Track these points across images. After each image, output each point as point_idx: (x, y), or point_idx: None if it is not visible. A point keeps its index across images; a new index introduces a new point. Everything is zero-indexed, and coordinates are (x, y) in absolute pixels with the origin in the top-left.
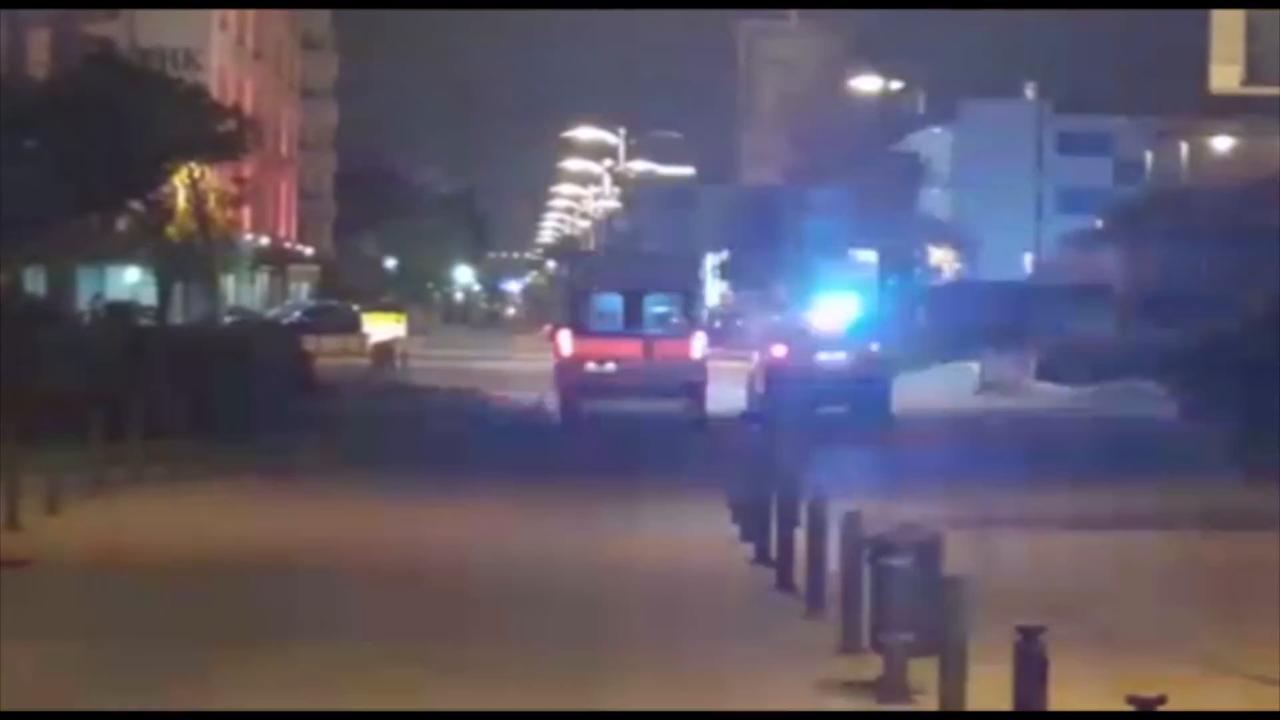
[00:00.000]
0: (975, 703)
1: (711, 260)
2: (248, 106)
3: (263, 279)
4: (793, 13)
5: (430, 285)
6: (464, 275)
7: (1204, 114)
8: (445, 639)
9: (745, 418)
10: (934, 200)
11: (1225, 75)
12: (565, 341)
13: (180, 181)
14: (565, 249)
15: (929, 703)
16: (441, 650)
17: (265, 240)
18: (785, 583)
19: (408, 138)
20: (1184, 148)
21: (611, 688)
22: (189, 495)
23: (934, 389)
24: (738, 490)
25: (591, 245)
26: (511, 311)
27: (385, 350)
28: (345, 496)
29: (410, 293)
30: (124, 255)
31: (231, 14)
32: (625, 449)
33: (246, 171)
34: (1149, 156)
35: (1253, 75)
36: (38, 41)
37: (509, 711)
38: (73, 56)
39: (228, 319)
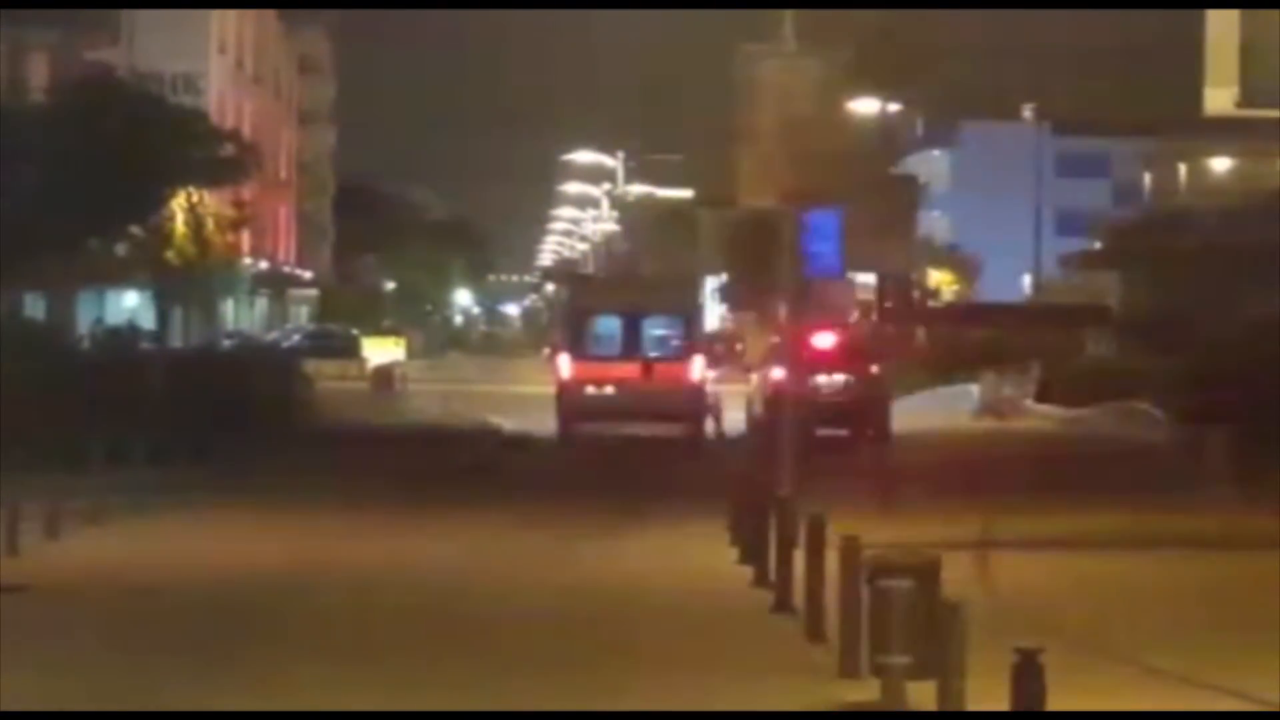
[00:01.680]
0: None
1: (710, 283)
2: (246, 130)
3: (262, 303)
4: (791, 35)
5: (429, 308)
6: (463, 298)
7: (1202, 135)
8: (444, 661)
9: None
10: (933, 222)
11: (1220, 99)
12: (565, 365)
13: (179, 206)
14: (564, 272)
15: None
16: (440, 672)
17: (264, 264)
18: (784, 605)
19: (406, 161)
20: (1182, 169)
21: (605, 708)
22: (188, 521)
23: (933, 411)
24: (736, 513)
25: (590, 268)
26: (510, 334)
27: (385, 375)
28: (345, 521)
29: (409, 316)
30: (123, 280)
31: (230, 38)
32: (624, 471)
33: (245, 195)
34: (1147, 178)
35: (1247, 99)
36: (36, 66)
37: (509, 711)
38: (72, 81)
39: (226, 343)
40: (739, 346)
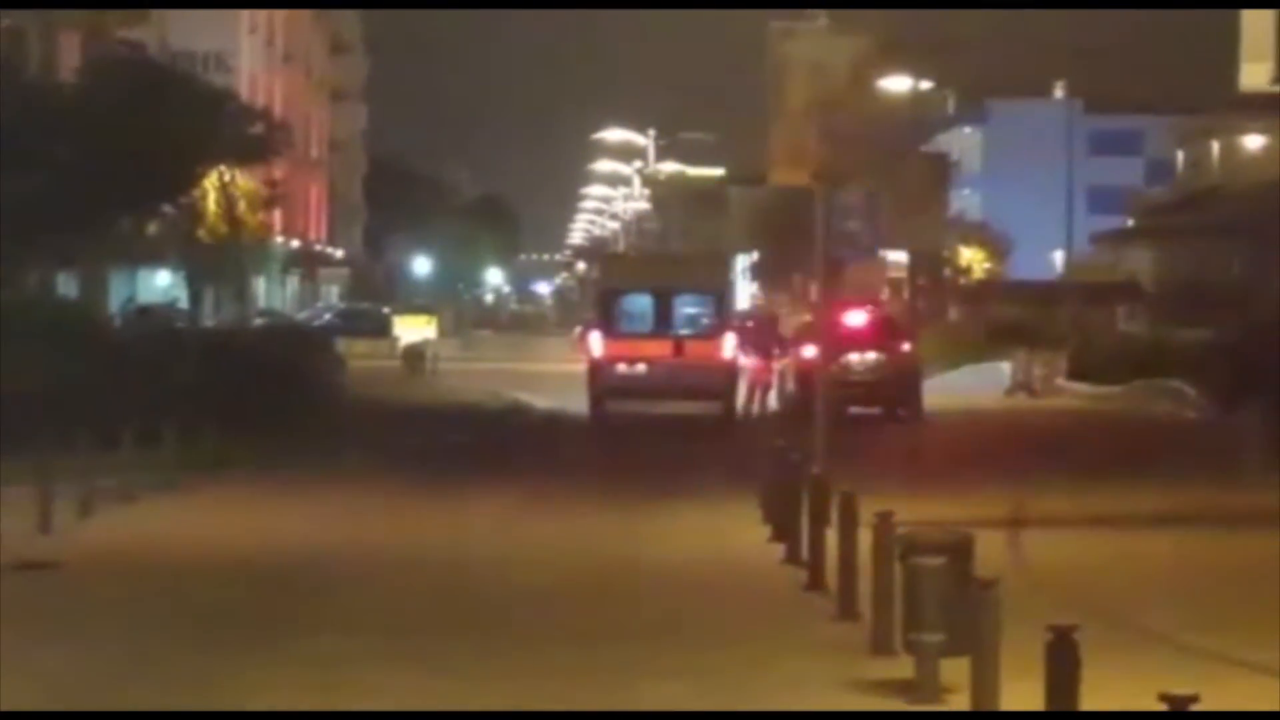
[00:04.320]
0: (1008, 703)
1: (741, 261)
2: (277, 109)
3: (293, 281)
4: (822, 13)
5: (461, 287)
6: (494, 277)
7: (1235, 112)
8: (476, 636)
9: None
10: (964, 200)
11: (1255, 74)
12: (596, 343)
13: (211, 184)
14: (595, 250)
15: (960, 703)
16: (473, 646)
17: (296, 243)
18: (816, 583)
19: (437, 139)
20: (1215, 146)
21: (639, 687)
22: (220, 498)
23: (965, 388)
24: (768, 491)
25: (621, 246)
26: (541, 312)
27: (416, 353)
28: (377, 498)
29: (441, 295)
30: (155, 258)
31: (261, 17)
32: (655, 449)
33: (277, 174)
34: (1179, 155)
35: None
36: (69, 45)
37: (510, 711)
38: (104, 60)
39: (258, 321)
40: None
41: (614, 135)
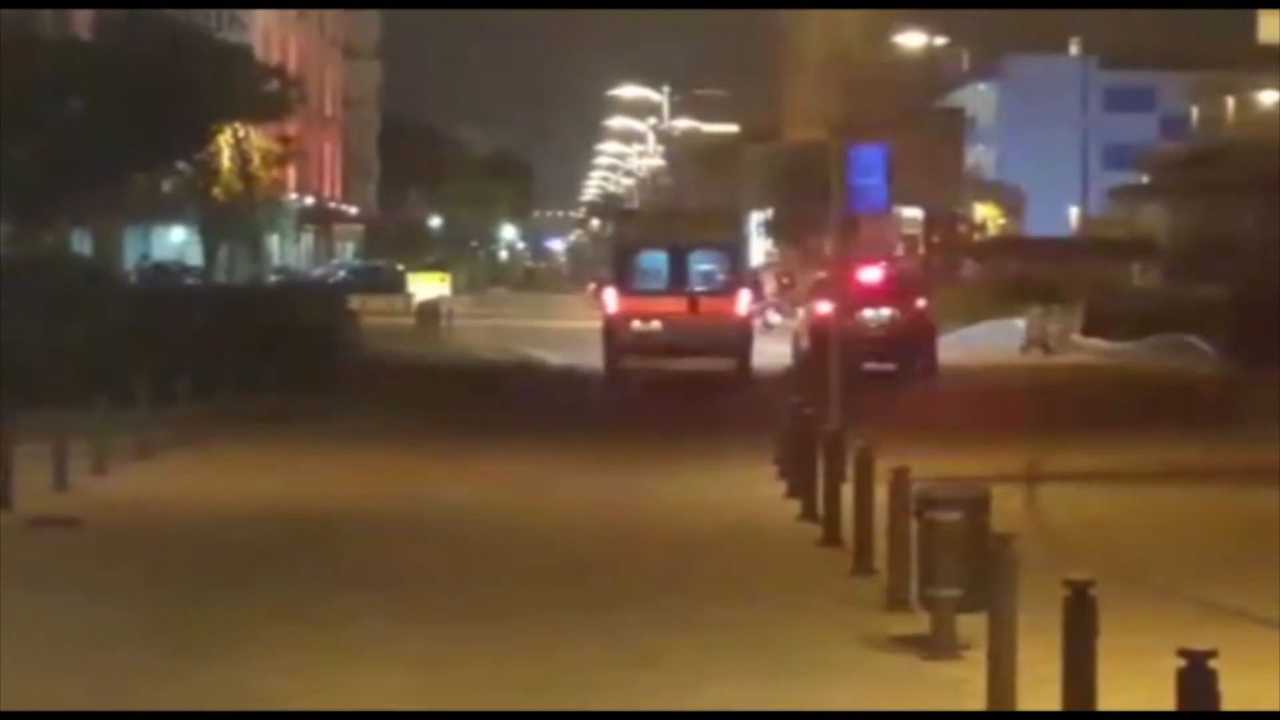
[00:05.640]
0: (1024, 658)
1: (756, 217)
2: (291, 66)
3: (307, 238)
4: None
5: (475, 244)
6: (508, 234)
7: (1250, 67)
8: (491, 590)
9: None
10: (979, 156)
11: (1272, 27)
12: (611, 299)
13: (225, 142)
14: (609, 207)
15: (977, 658)
16: (483, 603)
17: (310, 200)
18: (832, 539)
19: (451, 96)
20: (1229, 102)
21: (654, 644)
22: (235, 455)
23: (980, 345)
24: (784, 446)
25: (636, 203)
26: (555, 269)
27: (430, 310)
28: (391, 455)
29: (454, 252)
30: (170, 216)
31: None
32: (670, 405)
33: (291, 131)
34: (1194, 111)
35: None
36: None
37: (510, 711)
38: (117, 16)
39: (273, 278)
40: (786, 280)
41: (628, 92)
